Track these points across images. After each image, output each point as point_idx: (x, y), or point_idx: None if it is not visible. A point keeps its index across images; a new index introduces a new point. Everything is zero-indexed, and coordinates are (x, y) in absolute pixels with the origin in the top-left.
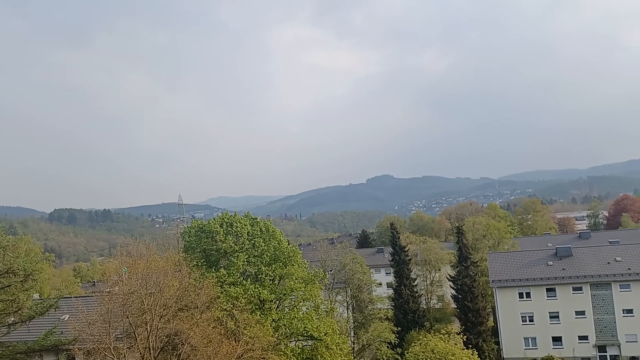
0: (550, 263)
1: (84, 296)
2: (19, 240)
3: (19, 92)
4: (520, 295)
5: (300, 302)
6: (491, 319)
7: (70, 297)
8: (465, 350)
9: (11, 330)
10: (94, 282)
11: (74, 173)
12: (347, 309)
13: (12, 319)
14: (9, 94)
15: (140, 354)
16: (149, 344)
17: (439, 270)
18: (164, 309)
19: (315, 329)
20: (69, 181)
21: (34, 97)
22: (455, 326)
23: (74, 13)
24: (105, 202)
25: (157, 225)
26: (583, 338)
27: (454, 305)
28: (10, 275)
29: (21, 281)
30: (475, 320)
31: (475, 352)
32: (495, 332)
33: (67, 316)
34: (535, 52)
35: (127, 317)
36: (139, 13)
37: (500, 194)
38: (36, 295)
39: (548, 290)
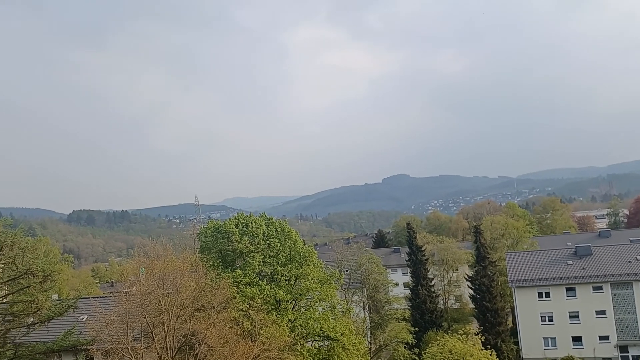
0: (570, 262)
1: (102, 297)
2: (38, 241)
3: (37, 93)
4: (540, 295)
5: (317, 302)
6: (510, 319)
7: (89, 298)
8: (484, 350)
9: (30, 330)
10: (112, 282)
11: (92, 175)
12: (364, 309)
13: (31, 319)
14: (27, 96)
15: (158, 354)
16: (166, 344)
17: (457, 270)
18: (181, 309)
19: (331, 329)
20: (87, 183)
21: (52, 99)
22: (474, 326)
23: (89, 13)
24: (123, 203)
25: (174, 226)
26: (604, 338)
27: (472, 306)
28: (30, 276)
29: (40, 282)
30: (493, 320)
31: (494, 353)
32: (514, 332)
33: (86, 317)
34: (552, 53)
35: (145, 318)
36: (155, 14)
37: (518, 192)
38: (55, 296)
39: (568, 289)
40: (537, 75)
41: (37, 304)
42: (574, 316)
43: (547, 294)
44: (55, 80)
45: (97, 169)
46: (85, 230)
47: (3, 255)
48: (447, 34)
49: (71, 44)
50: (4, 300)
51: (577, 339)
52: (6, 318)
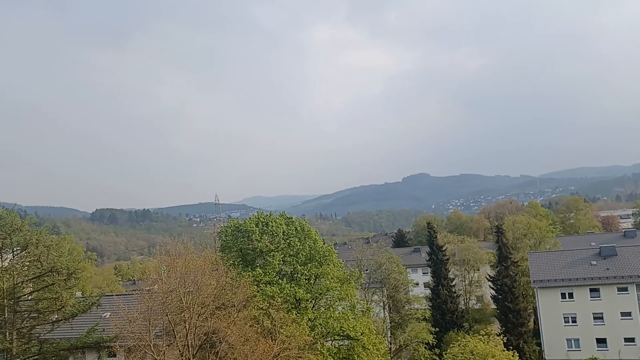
0: (594, 263)
1: (125, 294)
2: (62, 239)
3: (60, 96)
4: (563, 295)
5: (336, 301)
6: (532, 319)
7: (112, 295)
8: (506, 351)
9: (55, 327)
10: (134, 280)
11: (114, 175)
12: (384, 309)
13: (56, 316)
14: (51, 99)
15: (180, 351)
16: (187, 342)
17: (478, 270)
18: (202, 308)
19: (351, 329)
20: (109, 182)
21: (75, 102)
22: (495, 327)
23: (110, 14)
24: (144, 202)
25: (195, 225)
26: (629, 340)
27: (493, 306)
28: (54, 274)
29: (64, 280)
30: (516, 321)
31: (516, 354)
32: (536, 333)
33: (109, 314)
34: (574, 48)
35: (167, 315)
36: (174, 14)
37: (541, 192)
38: (79, 294)
39: (592, 290)
40: (559, 72)
41: (61, 301)
42: (598, 317)
43: (571, 295)
44: (77, 82)
45: (118, 169)
46: (108, 228)
47: (28, 253)
48: (465, 31)
49: (93, 45)
50: (30, 297)
51: (601, 341)
52: (31, 315)
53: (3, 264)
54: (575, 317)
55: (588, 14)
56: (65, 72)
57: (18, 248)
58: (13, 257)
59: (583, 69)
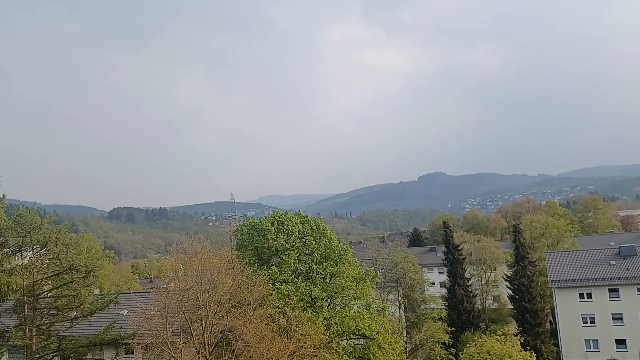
0: (613, 263)
1: (142, 292)
2: (81, 237)
3: (77, 98)
4: (581, 295)
5: (352, 300)
6: (550, 320)
7: (129, 293)
8: (523, 352)
9: (73, 324)
10: (151, 278)
11: (131, 174)
12: (399, 308)
13: (75, 313)
14: (69, 101)
15: (196, 349)
16: (204, 340)
17: (495, 269)
18: (218, 306)
19: (367, 328)
20: (126, 181)
21: (92, 103)
22: (512, 327)
23: (127, 16)
24: (161, 200)
25: (210, 224)
26: None
27: (510, 306)
28: (73, 271)
29: (83, 277)
30: (533, 321)
31: (534, 354)
32: (554, 333)
33: (126, 311)
34: (594, 45)
35: (183, 313)
36: (191, 16)
37: (559, 191)
38: (97, 291)
39: (611, 290)
40: (578, 69)
41: (80, 298)
42: (618, 318)
43: (589, 295)
44: (95, 84)
45: (135, 168)
46: (125, 227)
47: (48, 251)
48: (482, 29)
49: (110, 47)
50: (49, 294)
51: (620, 342)
52: (50, 312)
53: (23, 261)
54: (593, 318)
55: (606, 11)
56: (83, 74)
57: (38, 246)
58: (33, 254)
59: (602, 66)
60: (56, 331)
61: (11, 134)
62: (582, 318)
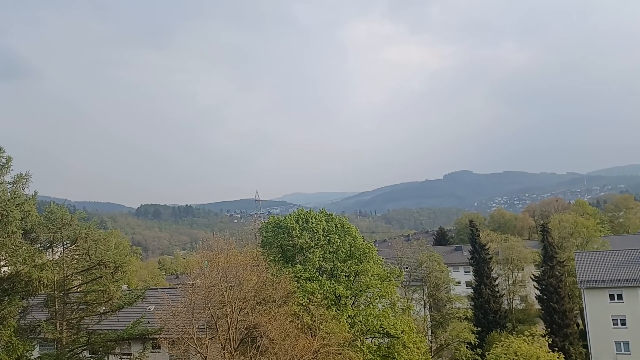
0: None
1: (169, 288)
2: (110, 234)
3: (101, 96)
4: (611, 297)
5: (376, 299)
6: (579, 321)
7: (156, 289)
8: (551, 353)
9: (102, 319)
10: (177, 274)
11: (158, 172)
12: (424, 307)
13: (103, 308)
14: (96, 99)
15: (222, 345)
16: (229, 336)
17: (522, 269)
18: (243, 302)
19: (391, 327)
20: (153, 179)
21: (116, 102)
22: (540, 328)
23: (149, 14)
24: (186, 198)
25: (235, 221)
26: None
27: (538, 307)
28: (102, 267)
29: (111, 273)
30: (561, 322)
31: (562, 356)
32: (582, 334)
33: (153, 307)
34: (624, 40)
35: (209, 309)
36: (211, 13)
37: (588, 189)
38: (125, 287)
39: None
40: (607, 65)
41: (108, 293)
42: None
43: (620, 296)
44: (120, 82)
45: (162, 167)
46: (152, 223)
47: (78, 246)
48: (510, 24)
49: (133, 46)
50: (78, 289)
51: None
52: (80, 306)
53: (54, 257)
54: (624, 320)
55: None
56: (108, 73)
57: (68, 242)
58: (63, 250)
59: (636, 63)
60: (85, 325)
61: (42, 132)
62: (613, 320)
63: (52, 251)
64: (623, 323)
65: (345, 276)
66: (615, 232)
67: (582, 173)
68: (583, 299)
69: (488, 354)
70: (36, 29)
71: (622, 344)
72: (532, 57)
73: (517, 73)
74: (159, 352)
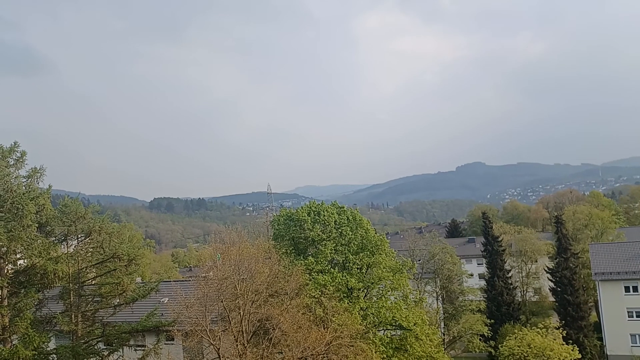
0: None
1: (182, 280)
2: (123, 227)
3: (119, 90)
4: (627, 289)
5: (389, 291)
6: (593, 313)
7: (169, 281)
8: (565, 345)
9: (116, 311)
10: (190, 267)
11: (171, 165)
12: (437, 299)
13: (117, 300)
14: (111, 93)
15: (234, 337)
16: (242, 328)
17: (536, 261)
18: (255, 295)
19: (404, 319)
20: (167, 172)
21: (130, 96)
22: (554, 320)
23: (163, 7)
24: (199, 191)
25: (248, 214)
26: None
27: (552, 299)
28: (116, 259)
29: (125, 265)
30: (575, 314)
31: (576, 348)
32: (597, 327)
33: (167, 299)
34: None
35: (222, 302)
36: (225, 6)
37: (603, 181)
38: (138, 279)
39: None
40: (624, 54)
41: (122, 286)
42: None
43: (635, 288)
44: (134, 77)
45: (175, 160)
46: (165, 217)
47: (92, 239)
48: (525, 14)
49: (149, 39)
50: (93, 282)
51: None
52: (95, 299)
53: (68, 250)
54: None
55: None
56: (123, 67)
57: (82, 235)
58: (77, 243)
59: None
60: (100, 317)
61: (57, 126)
62: (628, 312)
63: (66, 244)
64: (638, 315)
65: (358, 268)
66: (630, 223)
67: (597, 164)
68: (598, 291)
69: (501, 346)
70: (53, 24)
71: (637, 336)
72: (547, 47)
73: (532, 63)
74: (172, 343)
